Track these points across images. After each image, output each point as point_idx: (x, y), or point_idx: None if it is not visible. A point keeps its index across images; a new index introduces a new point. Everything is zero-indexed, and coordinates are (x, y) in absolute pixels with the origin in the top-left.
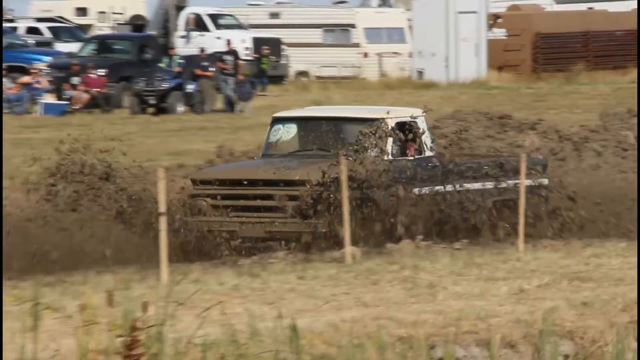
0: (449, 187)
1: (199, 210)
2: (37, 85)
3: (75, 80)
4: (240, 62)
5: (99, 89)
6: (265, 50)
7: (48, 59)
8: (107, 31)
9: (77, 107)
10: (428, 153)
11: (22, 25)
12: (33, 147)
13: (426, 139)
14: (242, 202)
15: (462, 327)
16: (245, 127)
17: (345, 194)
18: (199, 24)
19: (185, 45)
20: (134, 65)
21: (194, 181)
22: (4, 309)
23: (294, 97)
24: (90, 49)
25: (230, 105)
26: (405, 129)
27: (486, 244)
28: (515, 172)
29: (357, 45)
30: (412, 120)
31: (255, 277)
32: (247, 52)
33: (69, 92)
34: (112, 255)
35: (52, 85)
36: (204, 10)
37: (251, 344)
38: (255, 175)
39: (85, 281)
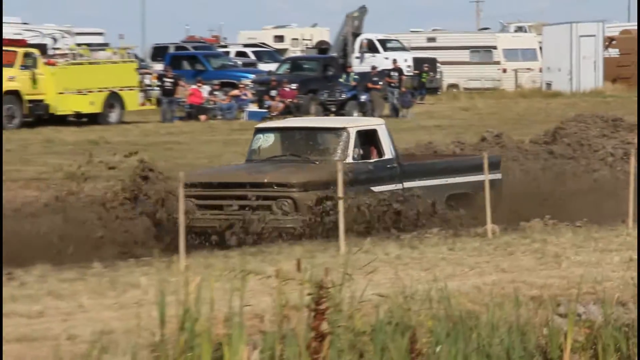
0: (406, 185)
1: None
2: (243, 97)
3: (273, 92)
4: (404, 77)
5: (291, 100)
6: (425, 67)
7: (252, 76)
8: (298, 54)
9: (274, 114)
10: (388, 156)
11: (232, 50)
12: (239, 146)
13: (385, 144)
14: (218, 202)
15: (582, 289)
16: (407, 129)
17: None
18: (370, 47)
19: (359, 64)
20: (319, 80)
21: (186, 184)
22: None
23: (446, 105)
24: (285, 68)
25: (395, 111)
26: (367, 136)
27: (602, 222)
28: (472, 169)
29: (497, 62)
30: (372, 128)
31: (414, 249)
32: (409, 69)
33: (268, 102)
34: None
35: (255, 96)
36: (375, 36)
37: (411, 301)
38: (227, 178)
39: (280, 252)
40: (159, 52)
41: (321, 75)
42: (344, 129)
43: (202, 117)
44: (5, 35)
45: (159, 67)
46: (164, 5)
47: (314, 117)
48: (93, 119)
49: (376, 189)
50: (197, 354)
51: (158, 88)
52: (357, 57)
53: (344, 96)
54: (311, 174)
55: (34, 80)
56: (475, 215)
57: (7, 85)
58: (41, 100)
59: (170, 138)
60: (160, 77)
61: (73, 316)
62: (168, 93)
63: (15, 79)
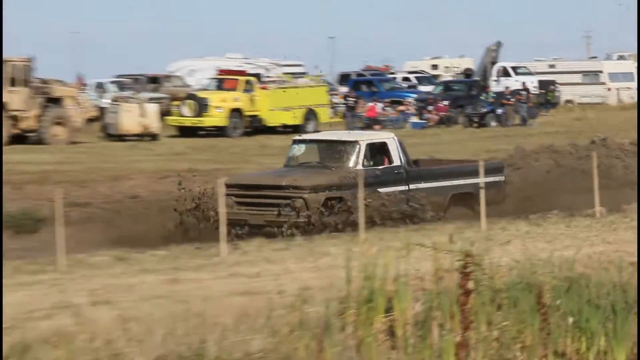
0: (411, 186)
1: (227, 204)
2: (407, 111)
3: (430, 107)
4: (531, 95)
5: (444, 113)
6: (551, 87)
7: (414, 95)
8: (449, 78)
9: (431, 124)
10: (396, 163)
11: (399, 76)
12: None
13: (394, 154)
14: (249, 200)
15: None
16: (533, 135)
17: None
18: (505, 72)
19: (496, 85)
20: (466, 98)
21: (225, 184)
22: None
23: (563, 116)
24: (439, 89)
25: (523, 121)
26: (377, 147)
27: None
28: (475, 173)
29: (603, 83)
30: (382, 141)
31: (539, 226)
32: (535, 89)
33: (426, 115)
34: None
35: (416, 111)
36: (508, 64)
37: (537, 266)
38: (257, 181)
39: (436, 228)
40: (344, 78)
41: (467, 94)
42: (356, 142)
43: (377, 127)
44: (231, 67)
45: (344, 89)
46: (349, 43)
47: (338, 132)
48: (295, 129)
49: (382, 190)
50: (374, 305)
51: (343, 105)
52: (495, 80)
53: (484, 110)
54: (322, 178)
55: (252, 101)
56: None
57: (232, 105)
58: (257, 116)
59: None
60: (345, 97)
61: (282, 276)
62: (351, 109)
63: (238, 99)
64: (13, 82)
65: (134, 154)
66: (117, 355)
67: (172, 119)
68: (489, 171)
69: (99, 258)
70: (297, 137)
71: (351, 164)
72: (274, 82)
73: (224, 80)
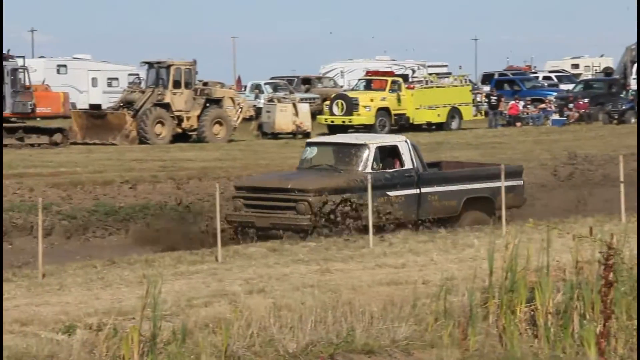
0: (423, 190)
1: (235, 206)
2: (548, 109)
3: (570, 105)
4: None
5: (584, 110)
6: None
7: (555, 93)
8: (589, 77)
9: (571, 121)
10: (407, 166)
11: (540, 75)
12: (546, 144)
13: (406, 157)
14: (256, 202)
15: None
16: None
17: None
18: None
19: (635, 84)
20: (605, 96)
21: (234, 187)
22: None
23: None
24: (579, 87)
25: None
26: (387, 151)
27: None
28: (490, 177)
29: None
30: (393, 144)
31: None
32: None
33: (567, 112)
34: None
35: (557, 108)
36: None
37: None
38: (263, 183)
39: (576, 222)
40: (486, 78)
41: (607, 92)
42: (365, 145)
43: (518, 124)
44: (379, 69)
45: (486, 88)
46: (491, 45)
47: (350, 135)
48: (439, 127)
49: (392, 193)
50: (516, 295)
51: (486, 103)
52: (634, 79)
53: (624, 107)
54: (328, 181)
55: (399, 100)
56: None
57: (380, 104)
58: (403, 114)
59: (495, 139)
60: (487, 96)
61: (426, 267)
62: (493, 107)
63: (386, 99)
64: (177, 85)
65: (287, 151)
66: (270, 341)
67: (323, 118)
68: (507, 175)
69: (254, 249)
70: (309, 140)
71: (360, 167)
72: (419, 82)
73: (373, 81)
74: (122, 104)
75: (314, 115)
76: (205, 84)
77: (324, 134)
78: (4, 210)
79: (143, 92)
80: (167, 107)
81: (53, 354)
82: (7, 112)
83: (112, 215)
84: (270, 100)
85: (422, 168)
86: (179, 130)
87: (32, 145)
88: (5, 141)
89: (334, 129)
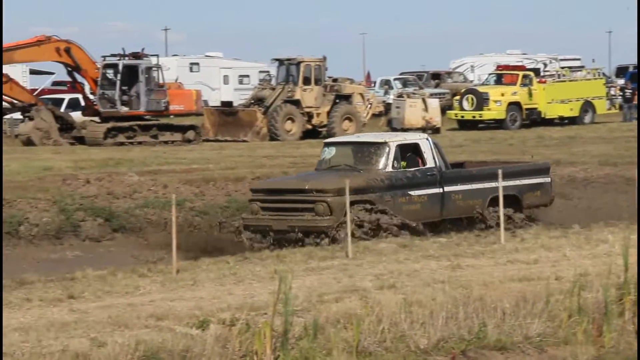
0: (446, 189)
1: (252, 210)
2: None
3: None
4: None
5: None
6: None
7: None
8: None
9: None
10: (429, 165)
11: None
12: None
13: (428, 155)
14: (273, 205)
15: None
16: None
17: None
18: None
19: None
20: None
21: (251, 190)
22: None
23: None
24: None
25: None
26: (408, 149)
27: None
28: (516, 175)
29: None
30: (414, 142)
31: None
32: None
33: None
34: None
35: None
36: None
37: None
38: (280, 185)
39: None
40: (621, 71)
41: None
42: (385, 143)
43: None
44: (509, 63)
45: (620, 81)
46: (626, 37)
47: (368, 134)
48: (572, 121)
49: (414, 193)
50: None
51: (620, 97)
52: None
53: None
54: (347, 181)
55: (530, 94)
56: None
57: (511, 98)
58: (535, 108)
59: (629, 133)
60: (622, 89)
61: (559, 263)
62: (628, 100)
63: (517, 93)
64: (307, 81)
65: None
66: (401, 337)
67: (453, 113)
68: (534, 172)
69: (384, 245)
70: (327, 140)
71: (380, 166)
72: (551, 76)
73: (503, 75)
74: (252, 101)
75: (443, 110)
76: (334, 80)
77: (453, 129)
78: (139, 206)
79: (273, 89)
80: (297, 103)
81: (187, 349)
82: (141, 109)
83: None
84: (400, 95)
85: (445, 166)
86: (309, 127)
87: (165, 142)
88: (139, 138)
89: (463, 124)
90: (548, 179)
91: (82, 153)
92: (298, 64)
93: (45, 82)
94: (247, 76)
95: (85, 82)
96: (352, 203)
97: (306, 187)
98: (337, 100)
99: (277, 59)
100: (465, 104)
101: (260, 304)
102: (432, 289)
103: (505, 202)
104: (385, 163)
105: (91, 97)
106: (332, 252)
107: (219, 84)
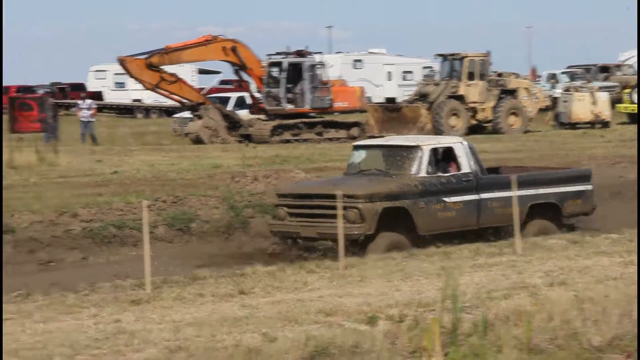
0: (483, 196)
1: (278, 215)
2: None
3: None
4: None
5: None
6: None
7: None
8: None
9: None
10: (465, 170)
11: None
12: None
13: (463, 160)
14: (301, 210)
15: None
16: None
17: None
18: None
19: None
20: None
21: (277, 194)
22: None
23: None
24: None
25: None
26: (442, 153)
27: None
28: (557, 182)
29: None
30: (448, 146)
31: None
32: None
33: None
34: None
35: None
36: None
37: None
38: (309, 190)
39: None
40: None
41: None
42: (418, 147)
43: None
44: None
45: None
46: None
47: (401, 136)
48: None
49: (449, 199)
50: None
51: None
52: None
53: None
54: (379, 186)
55: None
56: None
57: None
58: None
59: None
60: None
61: None
62: None
63: None
64: (471, 76)
65: (585, 141)
66: (573, 334)
67: (623, 107)
68: (574, 179)
69: (554, 241)
70: (357, 143)
71: (413, 170)
72: None
73: None
74: (416, 97)
75: (613, 104)
76: (499, 74)
77: (623, 123)
78: None
79: (437, 84)
80: (461, 99)
81: (357, 344)
82: (306, 107)
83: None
84: (567, 89)
85: (481, 172)
86: (474, 122)
87: (330, 139)
88: (304, 136)
89: (633, 118)
90: (590, 187)
91: (249, 151)
92: (462, 59)
93: (212, 81)
94: (411, 72)
95: (252, 81)
96: (386, 210)
97: (337, 193)
98: (502, 95)
99: (440, 55)
100: (635, 97)
101: (428, 300)
102: (605, 286)
103: (545, 210)
104: (419, 168)
105: (257, 95)
106: (500, 248)
107: (383, 81)
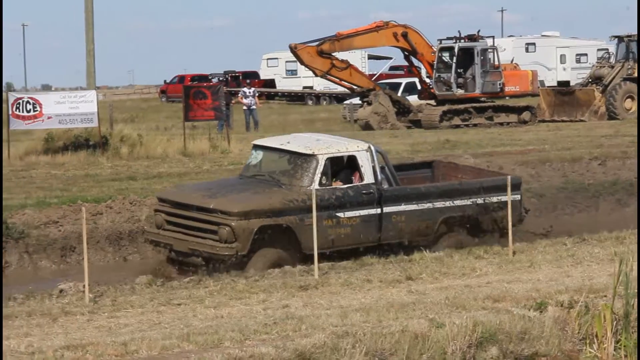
0: (387, 210)
1: (156, 222)
2: None
3: None
4: None
5: None
6: None
7: None
8: None
9: None
10: (367, 181)
11: None
12: None
13: (366, 170)
14: (175, 220)
15: None
16: None
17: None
18: None
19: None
20: None
21: (157, 197)
22: None
23: None
24: None
25: None
26: (343, 162)
27: None
28: (474, 193)
29: None
30: (350, 155)
31: None
32: None
33: None
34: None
35: None
36: None
37: None
38: (186, 198)
39: None
40: None
41: None
42: (312, 156)
43: None
44: None
45: None
46: None
47: (303, 138)
48: None
49: (343, 214)
50: None
51: None
52: None
53: None
54: (258, 201)
55: None
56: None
57: None
58: None
59: None
60: None
61: None
62: None
63: None
64: None
65: None
66: None
67: None
68: (500, 188)
69: None
70: (256, 142)
71: (305, 182)
72: None
73: None
74: (590, 80)
75: None
76: None
77: None
78: None
79: (612, 66)
80: (637, 81)
81: (525, 330)
82: (477, 92)
83: (581, 193)
84: None
85: (390, 182)
86: None
87: (500, 124)
88: (474, 121)
89: None
90: (517, 196)
91: (418, 136)
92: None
93: (382, 67)
94: (585, 55)
95: (422, 66)
96: (263, 228)
97: (211, 207)
98: None
99: (616, 36)
100: None
101: (599, 286)
102: None
103: (461, 223)
104: (311, 179)
105: (427, 80)
106: None
107: (555, 64)
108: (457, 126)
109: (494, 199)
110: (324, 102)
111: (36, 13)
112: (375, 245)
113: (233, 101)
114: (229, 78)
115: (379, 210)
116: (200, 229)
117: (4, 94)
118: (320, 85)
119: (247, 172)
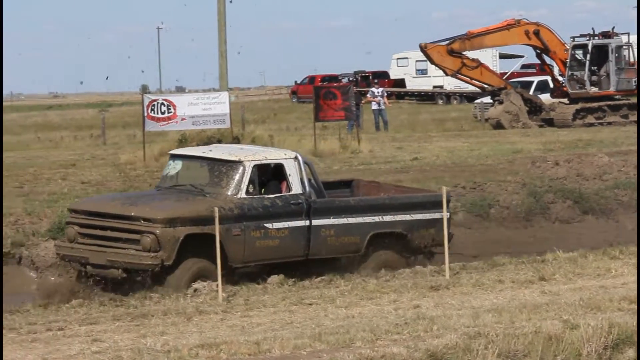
0: (315, 222)
1: (68, 235)
2: None
3: None
4: None
5: None
6: None
7: None
8: None
9: None
10: (295, 191)
11: None
12: None
13: (294, 179)
14: (91, 231)
15: None
16: None
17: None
18: None
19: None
20: None
21: (69, 209)
22: None
23: None
24: None
25: None
26: (271, 170)
27: None
28: (404, 208)
29: None
30: (278, 163)
31: None
32: None
33: None
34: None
35: None
36: None
37: None
38: (102, 208)
39: None
40: None
41: None
42: (239, 162)
43: None
44: None
45: None
46: None
47: (226, 147)
48: None
49: (272, 225)
50: None
51: None
52: None
53: None
54: (183, 208)
55: None
56: None
57: None
58: None
59: None
60: None
61: None
62: None
63: None
64: None
65: None
66: None
67: None
68: (427, 205)
69: None
70: (173, 152)
71: (231, 190)
72: None
73: None
74: None
75: None
76: None
77: None
78: (609, 187)
79: None
80: None
81: None
82: (611, 89)
83: None
84: None
85: (317, 194)
86: None
87: (636, 122)
88: (609, 119)
89: None
90: (446, 214)
91: (550, 135)
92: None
93: (514, 65)
94: None
95: (554, 64)
96: (189, 236)
97: (132, 214)
98: None
99: None
100: None
101: None
102: None
103: (390, 241)
104: (238, 187)
105: (560, 78)
106: None
107: None
108: (591, 124)
109: (422, 216)
110: (455, 102)
111: (171, 15)
112: (302, 260)
113: (363, 101)
114: (359, 78)
115: (307, 223)
116: (120, 239)
117: (142, 97)
118: (451, 84)
119: (165, 183)
